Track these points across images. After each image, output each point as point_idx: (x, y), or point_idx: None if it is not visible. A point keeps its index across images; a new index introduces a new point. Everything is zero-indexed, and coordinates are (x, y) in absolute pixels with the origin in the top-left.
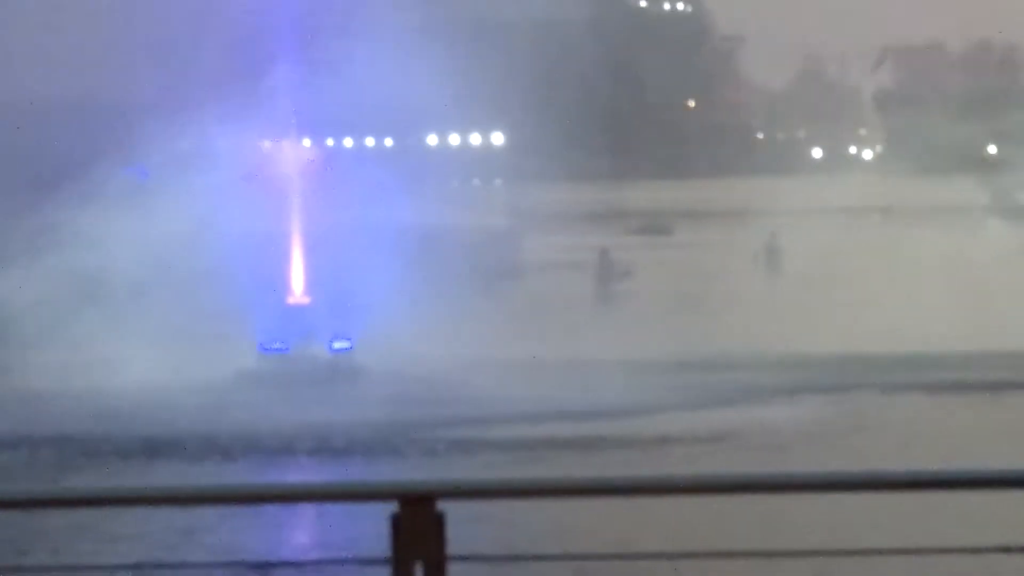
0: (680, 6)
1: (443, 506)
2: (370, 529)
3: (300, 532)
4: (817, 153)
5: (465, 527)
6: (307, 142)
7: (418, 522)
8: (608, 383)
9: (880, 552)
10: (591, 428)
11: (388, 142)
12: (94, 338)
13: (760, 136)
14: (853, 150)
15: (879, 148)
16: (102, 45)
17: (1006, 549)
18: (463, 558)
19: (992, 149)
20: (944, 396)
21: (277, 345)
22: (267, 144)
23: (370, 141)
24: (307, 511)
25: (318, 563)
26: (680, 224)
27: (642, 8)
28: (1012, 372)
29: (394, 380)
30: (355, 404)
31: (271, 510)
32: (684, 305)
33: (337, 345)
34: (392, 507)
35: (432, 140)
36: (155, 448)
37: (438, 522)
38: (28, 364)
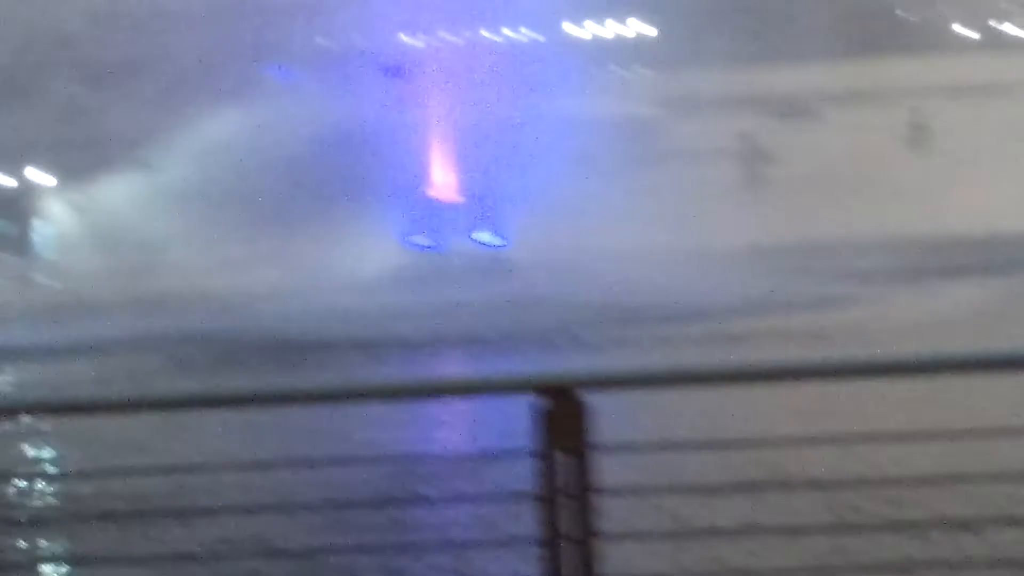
0: None
1: (586, 397)
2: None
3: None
4: (960, 29)
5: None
6: (446, 35)
7: (560, 413)
8: (751, 273)
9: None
10: (742, 324)
11: (524, 32)
12: (239, 238)
13: (900, 13)
14: (997, 24)
15: None
16: None
17: None
18: (608, 448)
19: None
20: None
21: (423, 241)
22: (407, 38)
23: (507, 32)
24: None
25: (464, 457)
26: (826, 106)
27: None
28: None
29: (544, 273)
30: (504, 297)
31: (420, 409)
32: (829, 188)
33: (487, 239)
34: (534, 400)
35: (569, 29)
36: (310, 348)
37: (580, 412)
38: (172, 265)
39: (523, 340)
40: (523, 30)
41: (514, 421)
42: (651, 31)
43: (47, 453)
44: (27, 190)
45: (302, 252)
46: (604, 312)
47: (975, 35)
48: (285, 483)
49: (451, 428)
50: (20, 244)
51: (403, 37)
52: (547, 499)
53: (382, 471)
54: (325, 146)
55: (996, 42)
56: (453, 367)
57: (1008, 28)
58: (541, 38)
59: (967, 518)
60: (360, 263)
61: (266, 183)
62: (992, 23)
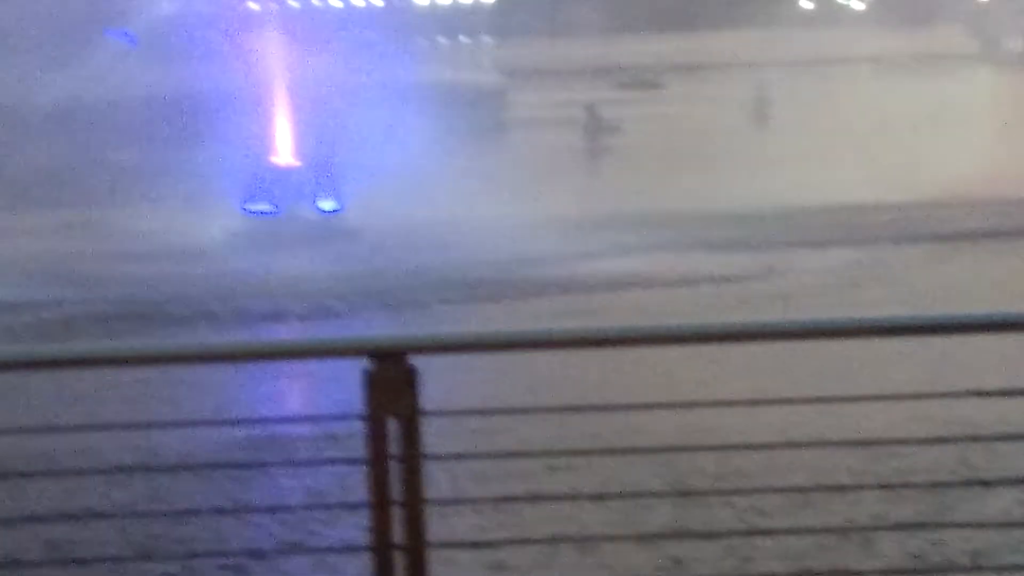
0: None
1: (416, 361)
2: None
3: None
4: (807, 4)
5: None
6: (294, 1)
7: (390, 377)
8: (578, 236)
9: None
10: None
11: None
12: (85, 201)
13: None
14: (843, 0)
15: None
16: None
17: (979, 393)
18: (437, 413)
19: None
20: (949, 245)
21: (262, 207)
22: (252, 3)
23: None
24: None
25: (295, 420)
26: (669, 78)
27: None
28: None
29: (381, 239)
30: (343, 263)
31: (253, 373)
32: (671, 159)
33: (326, 206)
34: (364, 364)
35: None
36: (141, 314)
37: (410, 377)
38: (26, 227)
39: (359, 306)
40: None
41: (350, 387)
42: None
43: None
44: None
45: (135, 217)
46: (439, 279)
47: (821, 10)
48: (105, 447)
49: (285, 393)
50: None
51: (250, 2)
52: (377, 464)
53: (211, 436)
54: (162, 110)
55: (841, 17)
56: (288, 332)
57: (855, 5)
58: (391, 5)
59: (798, 486)
60: (196, 229)
61: (100, 148)
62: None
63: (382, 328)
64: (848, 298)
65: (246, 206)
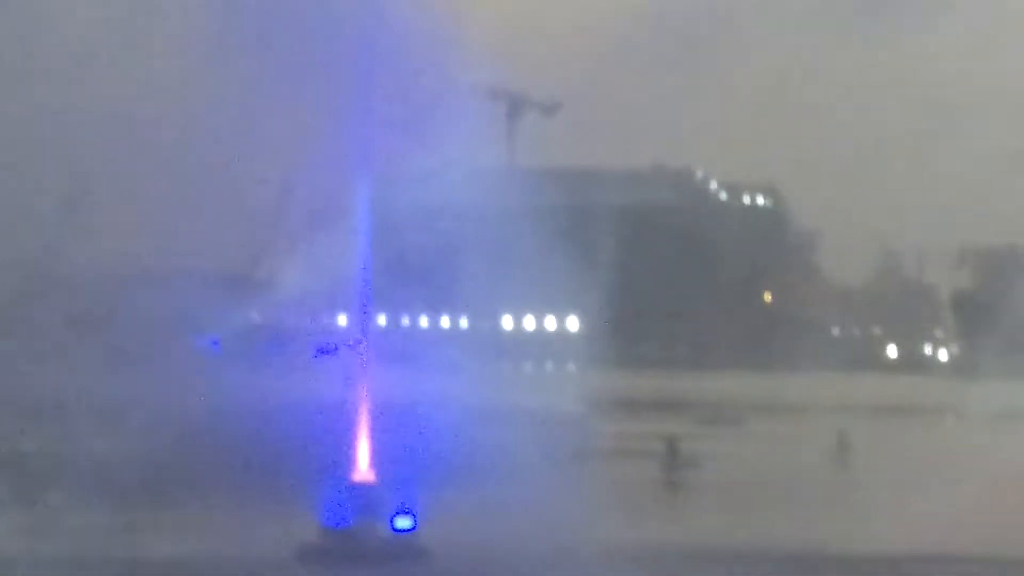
0: (760, 199)
1: None
2: None
3: None
4: (892, 351)
5: None
6: (383, 319)
7: None
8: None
9: None
10: None
11: (463, 323)
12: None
13: (836, 332)
14: (928, 350)
15: (954, 349)
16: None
17: None
18: None
19: None
20: None
21: (338, 523)
22: (346, 320)
23: (445, 321)
24: None
25: None
26: (751, 416)
27: (721, 200)
28: None
29: (456, 562)
30: None
31: None
32: (747, 497)
33: (400, 524)
34: None
35: (507, 322)
36: None
37: None
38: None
39: None
40: (462, 322)
41: None
42: (589, 329)
43: None
44: None
45: (222, 526)
46: None
47: (906, 357)
48: None
49: None
50: None
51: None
52: None
53: None
54: (247, 422)
55: (926, 366)
56: None
57: (941, 355)
58: (478, 328)
59: None
60: (273, 541)
61: (193, 463)
62: (927, 349)
63: None
64: None
65: (324, 522)
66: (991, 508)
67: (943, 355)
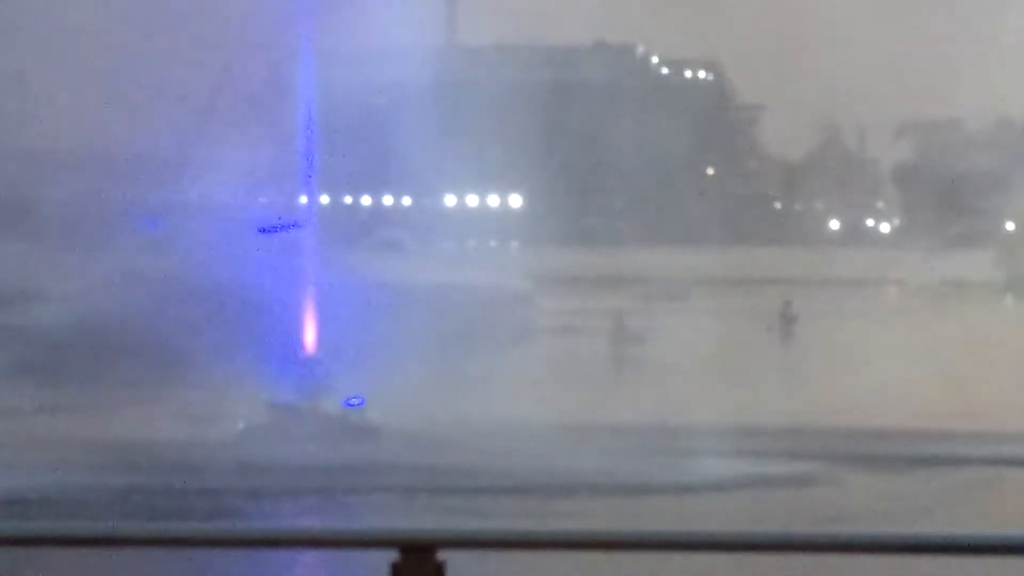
0: (701, 74)
1: (444, 555)
2: None
3: None
4: (835, 225)
5: None
6: (325, 198)
7: (418, 571)
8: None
9: None
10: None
11: (406, 201)
12: (102, 386)
13: (778, 206)
14: (871, 223)
15: (896, 222)
16: (117, 96)
17: None
18: None
19: (1010, 226)
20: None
21: (284, 398)
22: (286, 199)
23: (388, 200)
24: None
25: None
26: (695, 291)
27: (663, 75)
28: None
29: (404, 441)
30: (361, 457)
31: (270, 558)
32: (693, 371)
33: (352, 401)
34: (392, 556)
35: (450, 201)
36: (157, 497)
37: (439, 571)
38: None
39: (382, 501)
40: (405, 200)
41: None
42: (532, 207)
43: None
44: None
45: (165, 406)
46: (462, 479)
47: (848, 231)
48: None
49: None
50: None
51: (284, 198)
52: None
53: None
54: (188, 299)
55: (867, 239)
56: (310, 522)
57: (883, 228)
58: (422, 207)
59: None
60: (221, 419)
61: (134, 340)
62: (869, 222)
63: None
64: None
65: (273, 400)
66: (933, 379)
67: (885, 228)
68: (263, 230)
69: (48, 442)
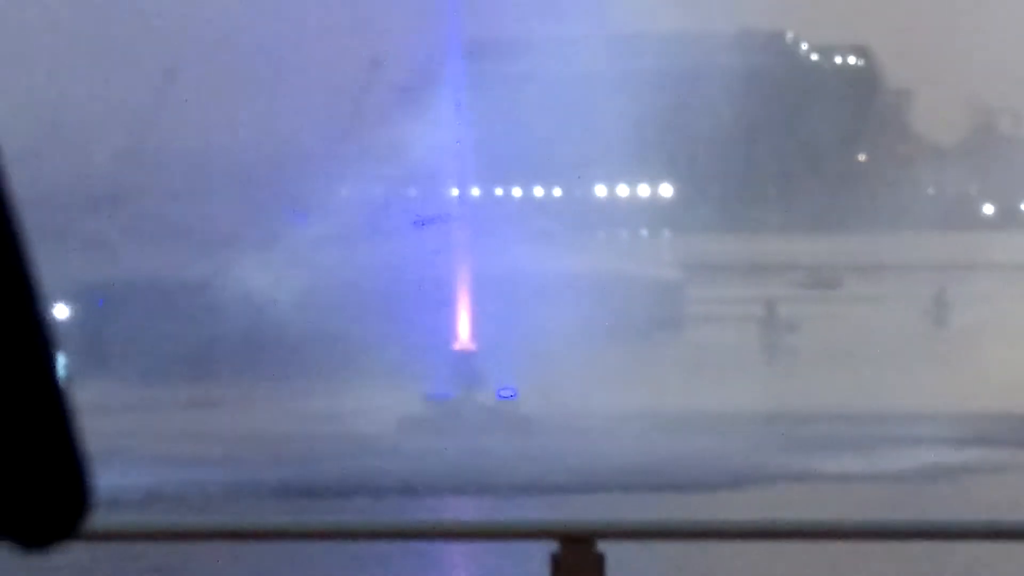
0: (852, 60)
1: (604, 547)
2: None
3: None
4: (989, 209)
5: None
6: (476, 191)
7: (578, 562)
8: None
9: None
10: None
11: (556, 192)
12: (261, 383)
13: (931, 191)
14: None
15: None
16: (265, 100)
17: None
18: None
19: None
20: None
21: (441, 391)
22: (438, 192)
23: (538, 191)
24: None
25: None
26: (849, 278)
27: (814, 62)
28: None
29: (557, 432)
30: (517, 455)
31: (431, 550)
32: (849, 359)
33: (502, 393)
34: (552, 547)
35: (600, 191)
36: (316, 491)
37: (598, 562)
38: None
39: (537, 492)
40: (555, 191)
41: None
42: (682, 195)
43: None
44: None
45: (322, 400)
46: (614, 471)
47: (1003, 215)
48: None
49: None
50: None
51: (437, 191)
52: None
53: None
54: (348, 295)
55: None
56: (469, 514)
57: None
58: (572, 198)
59: None
60: (380, 413)
61: (291, 333)
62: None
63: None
64: None
65: (427, 393)
66: None
67: None
68: (416, 223)
69: (212, 436)
